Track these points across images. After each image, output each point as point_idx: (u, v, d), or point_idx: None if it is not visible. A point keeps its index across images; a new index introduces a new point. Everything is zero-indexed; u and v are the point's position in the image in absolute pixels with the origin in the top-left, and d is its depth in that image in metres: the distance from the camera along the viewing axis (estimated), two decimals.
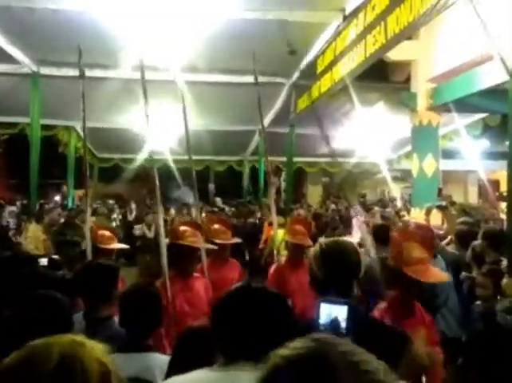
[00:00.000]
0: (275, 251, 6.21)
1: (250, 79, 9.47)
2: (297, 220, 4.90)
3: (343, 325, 1.25)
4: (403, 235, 2.79)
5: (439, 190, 8.12)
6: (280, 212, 9.71)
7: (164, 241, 4.01)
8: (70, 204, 13.73)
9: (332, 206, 13.86)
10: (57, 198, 19.00)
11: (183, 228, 3.83)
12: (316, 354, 0.78)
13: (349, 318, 1.26)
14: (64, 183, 16.35)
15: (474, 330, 1.31)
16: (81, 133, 10.16)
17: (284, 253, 7.64)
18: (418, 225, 4.89)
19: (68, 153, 13.77)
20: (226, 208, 13.54)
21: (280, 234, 8.30)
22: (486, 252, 3.91)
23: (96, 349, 1.00)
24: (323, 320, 1.26)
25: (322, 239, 2.30)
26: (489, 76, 7.12)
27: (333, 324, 1.25)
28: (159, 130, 11.46)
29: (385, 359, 1.48)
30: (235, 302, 1.49)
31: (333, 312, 1.26)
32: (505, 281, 3.32)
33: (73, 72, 6.86)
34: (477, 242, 4.07)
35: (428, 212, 6.02)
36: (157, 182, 4.20)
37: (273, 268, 4.89)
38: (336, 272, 1.93)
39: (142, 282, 2.96)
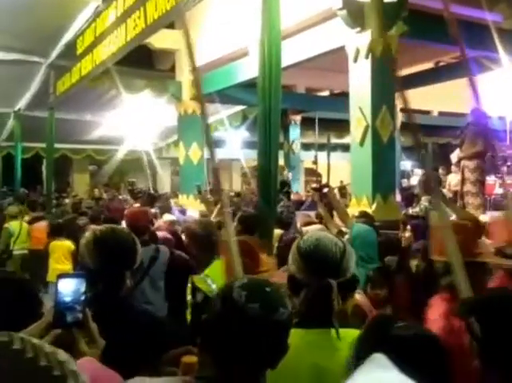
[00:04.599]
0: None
1: None
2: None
3: (82, 298, 1.22)
4: None
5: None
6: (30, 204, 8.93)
7: None
8: None
9: (104, 195, 13.38)
10: None
11: None
12: None
13: (88, 291, 1.24)
14: None
15: (211, 307, 1.30)
16: None
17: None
18: None
19: None
20: None
21: (15, 225, 7.66)
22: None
23: None
24: (64, 296, 1.21)
25: (96, 227, 2.15)
26: (245, 70, 7.63)
27: (74, 298, 1.21)
28: None
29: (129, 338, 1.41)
30: None
31: (73, 286, 1.23)
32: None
33: None
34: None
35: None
36: None
37: None
38: (110, 261, 1.86)
39: None
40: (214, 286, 3.39)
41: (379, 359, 1.09)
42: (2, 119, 12.19)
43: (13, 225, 7.57)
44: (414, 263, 3.79)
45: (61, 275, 1.24)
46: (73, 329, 1.19)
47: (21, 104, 11.13)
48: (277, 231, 4.03)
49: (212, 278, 3.42)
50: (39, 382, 0.65)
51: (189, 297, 3.56)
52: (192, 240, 3.61)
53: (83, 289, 1.22)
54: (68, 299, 1.20)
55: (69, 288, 1.22)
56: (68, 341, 1.16)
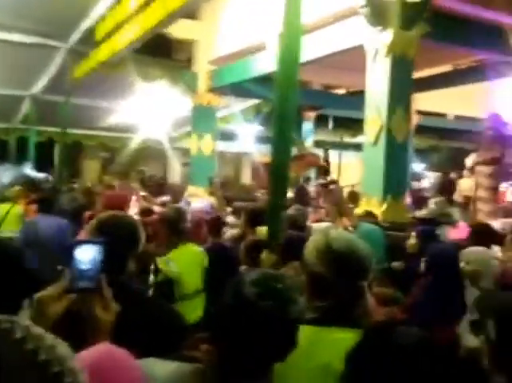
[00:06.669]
0: None
1: (17, 37, 8.46)
2: None
3: (97, 264, 1.22)
4: None
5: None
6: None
7: None
8: None
9: (115, 183, 13.44)
10: None
11: None
12: None
13: (105, 258, 1.23)
14: None
15: (222, 302, 1.30)
16: None
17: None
18: None
19: None
20: None
21: (2, 207, 7.64)
22: (246, 230, 4.14)
23: None
24: (79, 262, 1.21)
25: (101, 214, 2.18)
26: (262, 64, 7.61)
27: (89, 264, 1.21)
28: None
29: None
30: None
31: (88, 252, 1.22)
32: (264, 254, 3.49)
33: None
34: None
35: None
36: None
37: None
38: (112, 245, 1.83)
39: None
40: (175, 269, 3.48)
41: None
42: (18, 102, 12.26)
43: (1, 207, 7.48)
44: None
45: (78, 241, 1.24)
46: (88, 294, 1.19)
47: (37, 87, 11.18)
48: None
49: (174, 261, 3.51)
50: (35, 377, 0.63)
51: (152, 277, 3.66)
52: (163, 224, 3.76)
53: (98, 255, 1.22)
54: (83, 265, 1.20)
55: (85, 254, 1.22)
56: (83, 305, 1.18)
